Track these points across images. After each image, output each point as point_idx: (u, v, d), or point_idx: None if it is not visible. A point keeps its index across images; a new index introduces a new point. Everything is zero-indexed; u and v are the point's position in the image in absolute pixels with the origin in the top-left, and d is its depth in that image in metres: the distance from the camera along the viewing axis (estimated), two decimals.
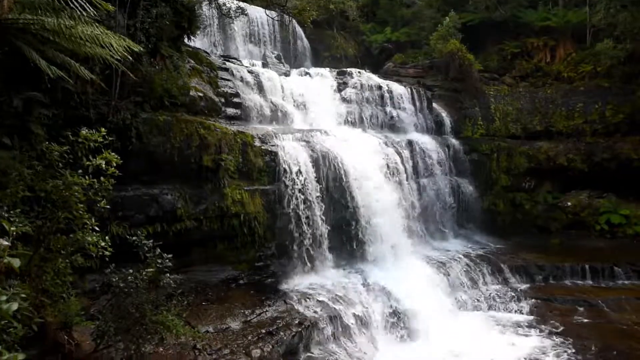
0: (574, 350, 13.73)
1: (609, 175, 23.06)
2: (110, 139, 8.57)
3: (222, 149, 13.33)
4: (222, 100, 15.32)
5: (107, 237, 8.15)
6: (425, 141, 21.40)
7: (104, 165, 8.04)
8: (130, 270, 8.48)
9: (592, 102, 23.84)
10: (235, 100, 16.01)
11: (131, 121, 11.14)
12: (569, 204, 23.75)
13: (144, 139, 11.53)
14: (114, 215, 10.73)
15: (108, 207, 8.33)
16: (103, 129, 8.35)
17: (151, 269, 8.60)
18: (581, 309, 16.59)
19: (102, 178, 8.09)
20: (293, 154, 15.03)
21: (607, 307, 16.57)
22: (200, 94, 13.91)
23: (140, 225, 11.35)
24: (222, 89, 15.69)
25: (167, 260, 8.81)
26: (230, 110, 15.62)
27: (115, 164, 8.21)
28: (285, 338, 12.06)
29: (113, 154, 8.21)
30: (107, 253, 7.95)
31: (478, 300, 17.17)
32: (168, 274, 8.88)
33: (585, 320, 15.95)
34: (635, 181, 22.53)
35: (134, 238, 8.89)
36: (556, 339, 14.49)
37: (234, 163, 13.61)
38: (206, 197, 13.10)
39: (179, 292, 9.49)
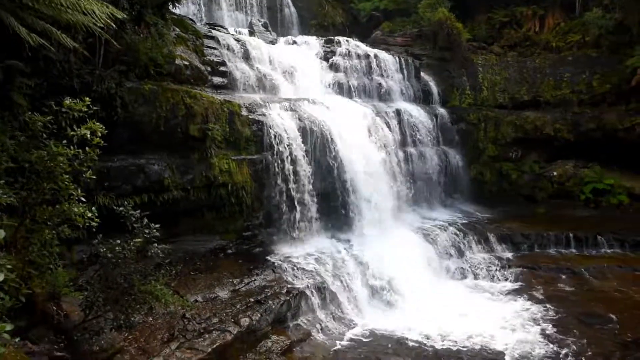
0: (557, 316, 14.01)
1: (595, 145, 23.22)
2: (94, 108, 8.42)
3: (208, 119, 13.21)
4: (209, 69, 15.11)
5: (93, 208, 8.10)
6: (413, 110, 21.35)
7: (88, 136, 7.93)
8: (118, 241, 8.46)
9: (580, 72, 23.84)
10: (222, 69, 15.80)
11: (116, 90, 10.96)
12: (555, 173, 23.96)
13: (129, 109, 11.38)
14: (100, 186, 10.66)
15: (94, 177, 8.25)
16: (87, 99, 8.21)
17: (139, 239, 8.58)
18: (565, 276, 16.90)
19: (87, 148, 7.99)
20: (280, 123, 14.94)
21: (590, 275, 16.90)
22: (186, 63, 13.71)
23: (127, 195, 11.31)
24: (208, 57, 15.46)
25: (155, 231, 8.78)
26: (217, 79, 15.42)
27: (100, 134, 8.10)
28: (273, 307, 12.18)
29: (98, 123, 8.10)
30: (94, 224, 7.91)
31: (464, 268, 17.39)
32: (156, 244, 8.88)
33: (569, 288, 16.26)
34: (620, 151, 22.74)
35: (121, 208, 8.84)
36: (540, 306, 14.76)
37: (221, 132, 13.51)
38: (193, 166, 13.03)
39: (167, 262, 9.52)
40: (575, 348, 12.23)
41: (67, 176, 7.75)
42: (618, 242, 19.05)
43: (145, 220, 8.81)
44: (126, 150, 11.69)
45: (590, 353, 11.95)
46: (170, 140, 12.56)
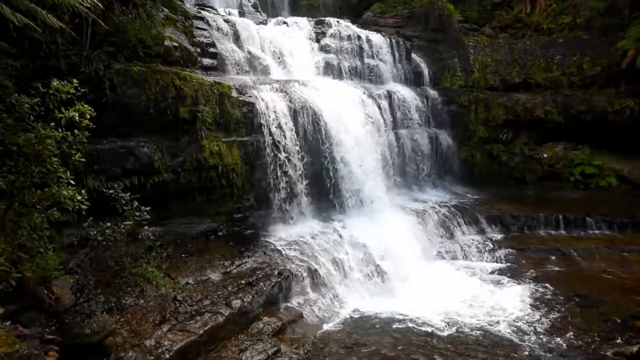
0: (545, 297, 14.20)
1: (585, 128, 23.33)
2: (83, 90, 8.32)
3: (198, 100, 13.10)
4: (198, 50, 14.96)
5: (83, 191, 8.05)
6: (404, 92, 21.30)
7: (77, 118, 7.84)
8: (109, 224, 8.41)
9: (571, 54, 23.86)
10: (212, 50, 15.64)
11: (104, 72, 10.82)
12: (545, 155, 24.09)
13: (118, 91, 11.24)
14: (89, 169, 10.57)
15: (83, 160, 8.17)
16: (75, 80, 8.10)
17: (129, 222, 8.54)
18: (554, 257, 17.11)
19: (76, 131, 7.91)
20: (271, 105, 14.86)
21: (579, 256, 17.11)
22: (175, 44, 13.56)
23: (117, 178, 11.23)
24: (198, 38, 15.31)
25: (145, 213, 8.74)
26: (207, 61, 15.28)
27: (89, 116, 8.01)
28: (265, 288, 12.23)
29: (86, 106, 8.00)
30: (83, 207, 7.86)
31: (454, 249, 17.54)
32: (146, 227, 8.84)
33: (557, 269, 16.49)
34: (610, 134, 22.87)
35: (110, 191, 8.77)
36: (529, 286, 14.95)
37: (211, 114, 13.41)
38: (183, 149, 12.94)
39: (158, 245, 9.48)
40: (561, 326, 12.44)
41: (56, 159, 7.68)
42: (606, 224, 19.24)
43: (136, 203, 8.76)
44: (116, 132, 11.59)
45: (576, 331, 12.14)
46: (160, 123, 12.45)
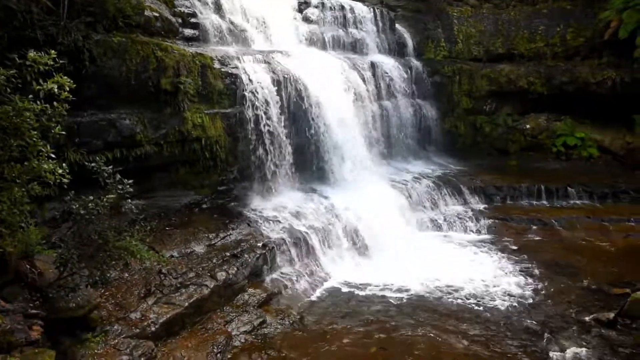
0: (527, 265, 14.46)
1: (567, 99, 23.42)
2: (61, 62, 8.15)
3: (180, 72, 12.90)
4: (179, 20, 14.68)
5: (64, 165, 7.94)
6: (388, 63, 21.18)
7: (56, 90, 7.69)
8: (91, 197, 8.33)
9: (554, 25, 23.77)
10: (193, 20, 15.34)
11: (83, 43, 10.57)
12: (528, 126, 24.21)
13: (98, 62, 11.02)
14: (70, 142, 10.42)
15: (63, 133, 8.04)
16: (53, 52, 7.91)
17: (112, 195, 8.48)
18: (535, 227, 17.38)
19: (55, 103, 7.76)
20: (254, 76, 14.69)
21: (560, 226, 17.39)
22: (156, 14, 13.26)
23: (99, 151, 11.07)
24: (179, 8, 14.99)
25: (128, 186, 8.68)
26: (188, 31, 14.99)
27: (68, 88, 7.87)
28: (249, 260, 12.30)
29: (65, 77, 7.85)
30: (65, 180, 7.75)
31: (438, 220, 17.70)
32: (130, 200, 8.79)
33: (539, 238, 16.77)
34: (591, 105, 23.03)
35: (92, 164, 8.68)
36: (511, 256, 15.19)
37: (193, 86, 13.23)
38: (166, 121, 12.80)
39: (142, 218, 9.47)
40: (542, 293, 12.72)
41: (35, 132, 7.54)
42: (587, 194, 19.53)
43: (118, 176, 8.69)
44: (96, 105, 11.39)
45: (556, 299, 12.41)
46: (141, 94, 12.27)
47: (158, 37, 13.24)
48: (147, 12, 12.88)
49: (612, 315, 11.22)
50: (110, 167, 8.74)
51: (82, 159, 10.41)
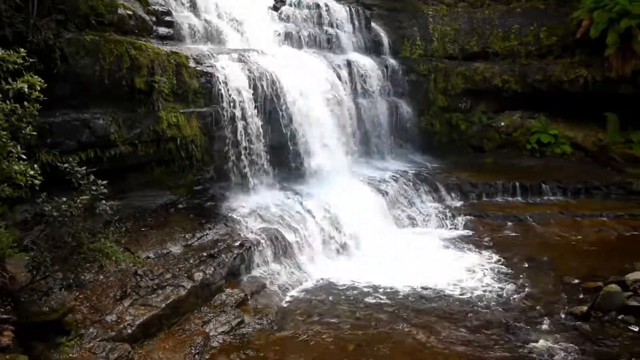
0: (502, 261, 14.64)
1: (541, 96, 23.79)
2: (31, 60, 7.98)
3: (155, 71, 12.75)
4: (153, 19, 14.50)
5: (36, 166, 7.79)
6: (364, 61, 21.22)
7: (26, 89, 7.53)
8: (64, 199, 8.17)
9: (528, 24, 24.09)
10: (167, 19, 15.17)
11: (54, 41, 10.36)
12: (503, 124, 24.51)
13: (70, 61, 10.80)
14: (42, 143, 10.19)
15: (34, 134, 7.88)
16: (22, 50, 7.75)
17: (86, 197, 8.31)
18: (511, 223, 17.61)
19: (25, 103, 7.61)
20: (229, 75, 14.59)
21: (534, 222, 17.65)
22: (129, 12, 13.08)
23: (72, 152, 10.87)
24: (153, 6, 14.79)
25: (102, 187, 8.52)
26: (162, 30, 14.82)
27: (39, 88, 7.72)
28: (227, 260, 12.24)
29: (36, 76, 7.70)
30: (37, 182, 7.60)
31: (415, 217, 17.82)
32: (104, 201, 8.64)
33: (514, 234, 16.99)
34: (565, 102, 23.41)
35: (65, 165, 8.51)
36: (487, 252, 15.37)
37: (168, 85, 13.08)
38: (140, 120, 12.62)
39: (117, 219, 9.30)
40: (518, 288, 12.87)
41: (5, 132, 7.36)
42: (561, 190, 19.88)
43: (92, 177, 8.53)
44: (69, 104, 11.17)
45: (531, 294, 12.58)
46: (115, 94, 12.09)
47: (132, 35, 13.07)
48: (120, 10, 12.70)
49: (585, 308, 11.42)
50: (84, 167, 8.58)
51: (54, 160, 10.20)
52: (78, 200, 8.17)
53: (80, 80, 11.20)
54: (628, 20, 20.33)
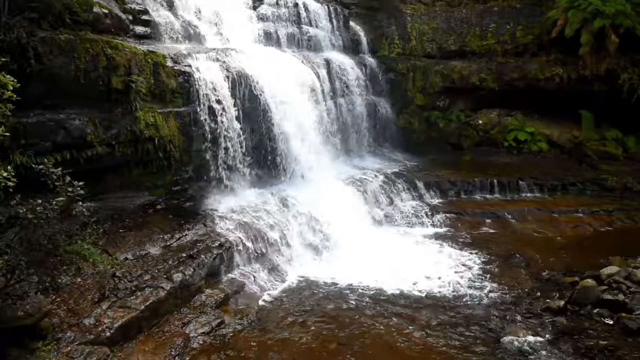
0: (481, 258, 14.84)
1: (518, 94, 24.00)
2: (4, 60, 7.87)
3: (132, 70, 12.60)
4: (130, 17, 14.35)
5: (9, 167, 7.67)
6: (342, 60, 21.23)
7: None
8: (39, 201, 8.06)
9: (504, 23, 24.30)
10: (144, 17, 15.04)
11: (27, 40, 10.17)
12: (480, 122, 24.71)
13: (44, 60, 10.63)
14: (16, 144, 10.01)
15: (8, 134, 7.77)
16: None
17: (62, 198, 8.22)
18: (489, 220, 17.83)
19: None
20: (208, 74, 14.48)
21: (512, 218, 17.90)
22: (105, 11, 12.93)
23: (47, 153, 10.70)
24: (129, 5, 14.66)
25: (79, 188, 8.44)
26: (139, 29, 14.69)
27: (12, 87, 7.60)
28: (206, 261, 12.18)
29: (8, 76, 7.59)
30: (10, 184, 7.49)
31: (394, 216, 17.90)
32: (81, 203, 8.56)
33: (492, 231, 17.24)
34: (541, 100, 23.68)
35: (40, 167, 8.40)
36: (466, 248, 15.57)
37: (146, 85, 12.94)
38: (117, 121, 12.47)
39: (94, 221, 9.21)
40: (496, 284, 13.05)
41: None
42: (538, 187, 20.18)
43: (68, 178, 8.43)
44: (44, 104, 10.98)
45: (509, 289, 12.76)
46: (91, 94, 11.91)
47: (108, 34, 12.92)
48: (95, 9, 12.54)
49: (562, 302, 11.63)
50: (60, 169, 8.48)
51: (29, 161, 10.03)
52: (54, 202, 8.07)
53: (55, 80, 11.03)
54: (601, 20, 20.65)
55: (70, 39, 11.25)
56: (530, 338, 10.37)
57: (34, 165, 8.71)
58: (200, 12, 17.38)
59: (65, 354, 8.56)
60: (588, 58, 21.90)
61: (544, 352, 9.95)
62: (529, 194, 19.99)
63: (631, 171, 21.08)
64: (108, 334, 9.32)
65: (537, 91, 23.66)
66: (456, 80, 24.43)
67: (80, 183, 8.49)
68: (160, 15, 15.76)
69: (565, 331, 10.67)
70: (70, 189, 8.32)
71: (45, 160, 9.05)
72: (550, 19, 22.74)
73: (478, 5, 25.22)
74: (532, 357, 9.83)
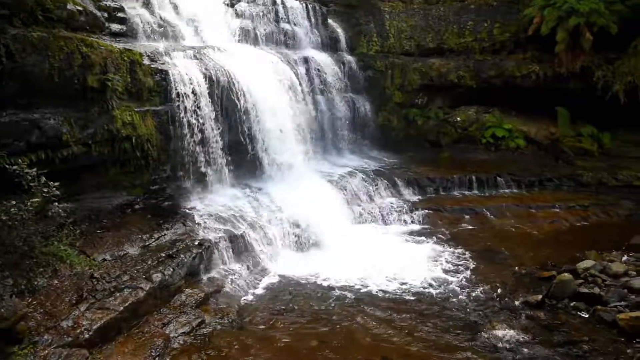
0: (460, 253, 14.94)
1: (495, 92, 24.20)
2: None
3: (108, 69, 12.44)
4: (105, 15, 14.16)
5: None
6: (321, 58, 21.22)
7: None
8: (14, 202, 7.92)
9: (482, 21, 24.47)
10: (120, 15, 14.86)
11: None
12: (459, 119, 24.89)
13: (16, 58, 10.40)
14: None
15: None
16: None
17: (37, 199, 8.09)
18: (468, 216, 17.95)
19: None
20: (185, 73, 14.37)
21: (490, 214, 18.05)
22: (80, 8, 12.73)
23: (22, 153, 10.49)
24: (105, 2, 14.47)
25: (55, 189, 8.30)
26: (115, 26, 14.51)
27: None
28: (185, 260, 12.08)
29: None
30: None
31: (374, 213, 17.92)
32: (57, 203, 8.42)
33: (471, 227, 17.37)
34: (518, 97, 23.92)
35: (14, 167, 8.26)
36: (446, 245, 15.66)
37: (122, 83, 12.79)
38: (94, 120, 12.30)
39: (71, 221, 9.09)
40: (475, 279, 13.16)
41: None
42: (515, 183, 20.40)
43: (43, 179, 8.29)
44: (17, 104, 10.76)
45: (489, 284, 12.86)
46: (67, 93, 11.72)
47: (82, 32, 12.74)
48: (69, 6, 12.33)
49: (539, 297, 11.79)
50: (35, 169, 8.33)
51: (2, 162, 9.82)
52: (29, 203, 7.93)
53: (29, 78, 10.81)
54: (576, 18, 20.92)
55: (44, 36, 11.05)
56: (509, 332, 10.50)
57: (7, 166, 8.54)
58: (177, 9, 17.22)
59: (43, 357, 8.42)
60: (564, 56, 22.17)
61: (522, 346, 10.06)
62: (507, 190, 20.19)
63: (606, 167, 21.42)
64: (86, 336, 9.20)
65: (514, 88, 23.89)
66: (434, 78, 24.55)
67: (56, 183, 8.36)
68: (136, 12, 15.60)
69: (543, 325, 10.81)
70: (45, 190, 8.19)
71: (20, 160, 8.88)
72: (526, 17, 22.95)
73: (455, 3, 25.34)
74: (510, 351, 9.93)
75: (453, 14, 24.91)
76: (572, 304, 11.52)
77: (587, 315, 11.09)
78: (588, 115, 23.22)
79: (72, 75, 11.70)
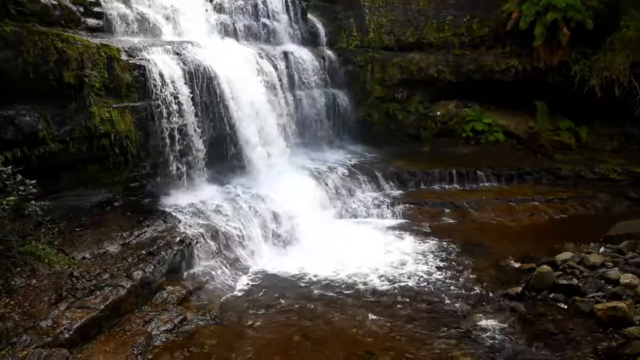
0: (441, 247, 15.07)
1: (475, 86, 24.40)
2: None
3: (84, 64, 12.24)
4: (81, 9, 13.92)
5: None
6: (301, 53, 21.14)
7: None
8: None
9: (461, 15, 24.60)
10: (96, 9, 14.61)
11: None
12: (439, 113, 25.03)
13: None
14: None
15: None
16: None
17: (13, 197, 7.97)
18: (448, 210, 18.07)
19: None
20: (164, 68, 14.19)
21: (471, 208, 18.18)
22: (54, 2, 12.48)
23: None
24: None
25: (31, 187, 8.20)
26: (91, 21, 14.27)
27: None
28: (166, 257, 12.00)
29: None
30: None
31: (354, 207, 18.00)
32: (34, 202, 8.31)
33: (451, 221, 17.49)
34: (497, 91, 24.14)
35: None
36: (427, 238, 15.76)
37: (100, 79, 12.60)
38: (71, 116, 12.10)
39: (48, 220, 8.99)
40: (456, 274, 13.24)
41: None
42: (495, 176, 20.63)
43: (19, 177, 8.17)
44: None
45: (470, 277, 12.99)
46: (42, 89, 11.51)
47: (58, 27, 12.49)
48: (43, 0, 12.11)
49: (519, 289, 11.94)
50: (10, 167, 8.20)
51: None
52: (4, 202, 7.80)
53: (2, 74, 10.59)
54: (553, 13, 21.16)
55: (17, 31, 10.83)
56: (490, 323, 10.63)
57: None
58: (155, 4, 16.99)
59: (22, 358, 8.29)
60: (542, 50, 22.43)
61: (502, 337, 10.18)
62: (487, 184, 20.39)
63: (583, 160, 21.76)
64: (67, 335, 9.07)
65: (493, 83, 24.12)
66: (414, 72, 24.65)
67: (33, 181, 8.24)
68: (113, 7, 15.32)
69: (523, 316, 10.94)
70: (22, 188, 8.10)
71: None
72: (505, 12, 23.15)
73: None
74: (491, 341, 10.04)
75: (432, 8, 25.00)
76: (551, 295, 11.67)
77: (565, 306, 11.24)
78: (566, 110, 23.57)
79: (48, 71, 11.48)
